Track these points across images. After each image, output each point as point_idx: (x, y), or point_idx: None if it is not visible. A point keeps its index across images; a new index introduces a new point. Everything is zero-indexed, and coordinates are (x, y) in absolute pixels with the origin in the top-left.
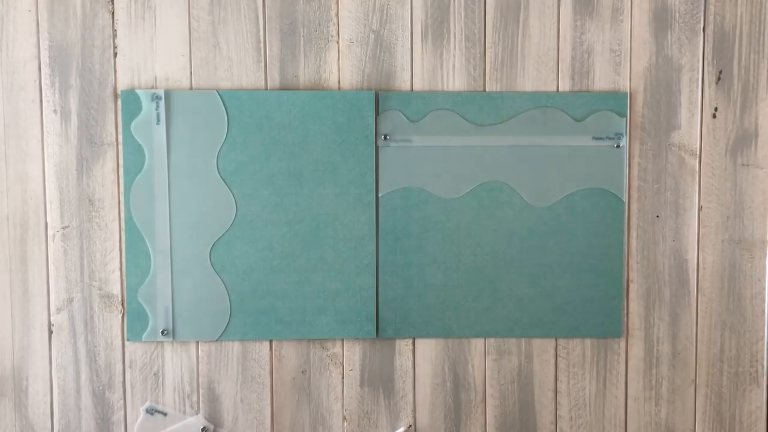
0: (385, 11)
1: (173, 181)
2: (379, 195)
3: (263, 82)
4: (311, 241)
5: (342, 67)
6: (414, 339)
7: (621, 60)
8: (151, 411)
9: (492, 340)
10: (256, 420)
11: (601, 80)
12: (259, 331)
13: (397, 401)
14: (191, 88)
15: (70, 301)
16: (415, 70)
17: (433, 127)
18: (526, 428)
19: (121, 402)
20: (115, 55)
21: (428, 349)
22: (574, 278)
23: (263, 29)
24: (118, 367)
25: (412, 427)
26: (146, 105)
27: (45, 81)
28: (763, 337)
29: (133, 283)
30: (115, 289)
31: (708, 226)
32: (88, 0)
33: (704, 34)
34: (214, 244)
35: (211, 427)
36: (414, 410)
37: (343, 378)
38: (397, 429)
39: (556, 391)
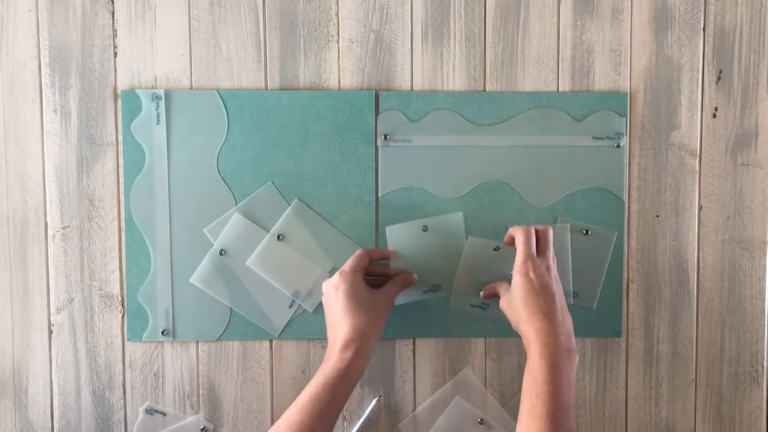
0: (385, 11)
1: (173, 181)
2: (379, 195)
3: (263, 82)
4: None
5: (342, 66)
6: (414, 339)
7: (621, 60)
8: (150, 411)
9: (492, 340)
10: (256, 420)
11: (601, 80)
12: (259, 331)
13: (397, 401)
14: (191, 88)
15: (70, 301)
16: (415, 69)
17: (433, 127)
18: None
19: (121, 402)
20: (115, 55)
21: (428, 349)
22: (573, 278)
23: (263, 29)
24: (118, 367)
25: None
26: (146, 105)
27: (45, 81)
28: (763, 337)
29: (133, 283)
30: (115, 289)
31: (708, 225)
32: (88, 0)
33: (704, 33)
34: None
35: (211, 427)
36: (414, 410)
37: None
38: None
39: None
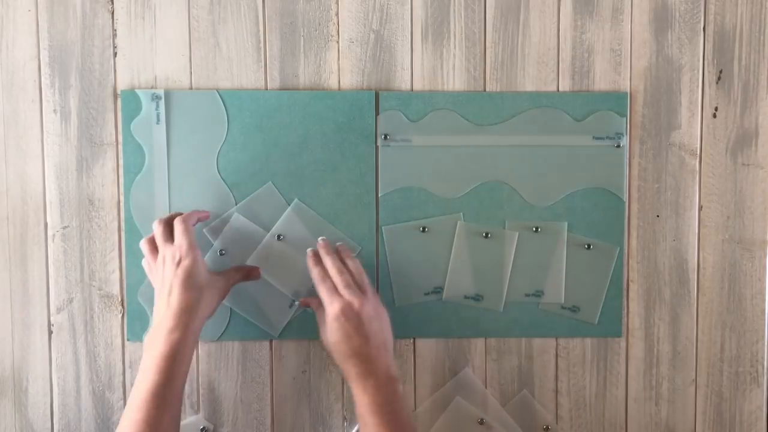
0: (385, 11)
1: (173, 181)
2: (379, 195)
3: (263, 82)
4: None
5: (342, 66)
6: (414, 339)
7: (621, 60)
8: None
9: (492, 340)
10: (256, 420)
11: (602, 80)
12: (259, 331)
13: None
14: (191, 88)
15: (70, 301)
16: (415, 69)
17: (433, 127)
18: (526, 428)
19: (121, 402)
20: (115, 55)
21: (428, 349)
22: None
23: (263, 29)
24: (118, 367)
25: None
26: (146, 105)
27: (45, 81)
28: (763, 337)
29: (133, 283)
30: (115, 289)
31: (708, 225)
32: (88, 0)
33: (704, 33)
34: None
35: (211, 427)
36: (414, 410)
37: (343, 378)
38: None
39: (556, 391)
